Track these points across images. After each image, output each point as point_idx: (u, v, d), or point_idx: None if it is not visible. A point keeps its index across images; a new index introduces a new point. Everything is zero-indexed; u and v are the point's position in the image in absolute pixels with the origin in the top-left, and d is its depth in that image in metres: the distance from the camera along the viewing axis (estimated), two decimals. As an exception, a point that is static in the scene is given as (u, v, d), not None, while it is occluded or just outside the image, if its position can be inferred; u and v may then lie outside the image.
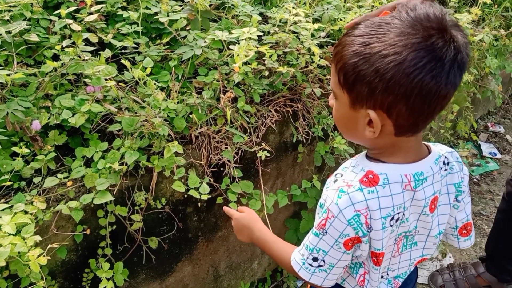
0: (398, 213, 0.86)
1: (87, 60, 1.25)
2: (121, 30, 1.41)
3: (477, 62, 2.39)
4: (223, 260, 1.65)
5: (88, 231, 1.12)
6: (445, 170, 0.92)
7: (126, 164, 1.12)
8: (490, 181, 2.75)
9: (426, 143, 0.93)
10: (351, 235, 0.85)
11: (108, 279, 1.14)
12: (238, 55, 1.23)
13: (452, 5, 2.38)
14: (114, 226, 1.17)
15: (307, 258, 0.91)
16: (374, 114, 0.78)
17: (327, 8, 1.75)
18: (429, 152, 0.90)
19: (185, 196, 1.28)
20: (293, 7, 1.57)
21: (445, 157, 0.92)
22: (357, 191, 0.83)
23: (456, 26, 0.76)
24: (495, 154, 2.95)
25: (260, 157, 1.37)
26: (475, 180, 2.76)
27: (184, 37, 1.40)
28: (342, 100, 0.82)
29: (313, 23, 1.60)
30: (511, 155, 3.01)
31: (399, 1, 1.28)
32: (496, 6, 2.55)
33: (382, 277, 0.99)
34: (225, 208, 1.21)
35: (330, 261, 0.89)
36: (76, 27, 1.23)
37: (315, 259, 0.90)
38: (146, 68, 1.22)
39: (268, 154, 1.39)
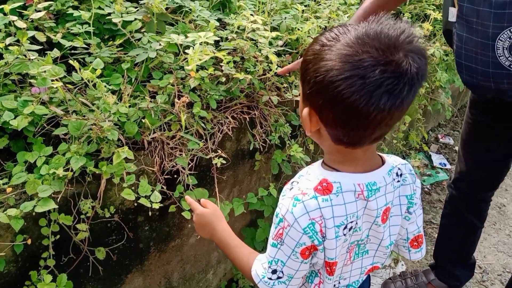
0: (351, 222, 0.86)
1: (33, 59, 1.18)
2: (72, 30, 1.34)
3: (428, 76, 2.48)
4: (176, 271, 1.60)
5: (29, 241, 1.05)
6: (398, 181, 0.92)
7: (72, 170, 1.06)
8: (440, 190, 2.85)
9: (380, 153, 0.93)
10: (307, 243, 0.84)
11: (49, 293, 1.07)
12: (192, 58, 1.20)
13: (405, 20, 2.46)
14: (58, 236, 1.10)
15: (267, 271, 0.90)
16: (306, 112, 0.81)
17: (285, 18, 1.76)
18: (383, 163, 0.91)
19: (136, 204, 1.23)
20: (251, 14, 1.56)
21: (399, 169, 0.93)
22: (312, 199, 0.83)
23: (414, 52, 0.73)
24: (445, 165, 3.07)
25: (216, 164, 1.34)
26: (426, 189, 2.85)
27: (139, 40, 1.36)
28: (301, 92, 0.85)
29: (271, 31, 1.60)
30: (459, 165, 3.13)
31: None
32: (446, 22, 2.66)
33: (334, 285, 0.98)
34: (187, 198, 1.13)
35: (289, 272, 0.88)
36: (21, 24, 1.17)
37: (274, 271, 0.89)
38: (96, 70, 1.17)
39: (224, 162, 1.36)
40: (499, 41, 1.14)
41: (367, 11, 1.42)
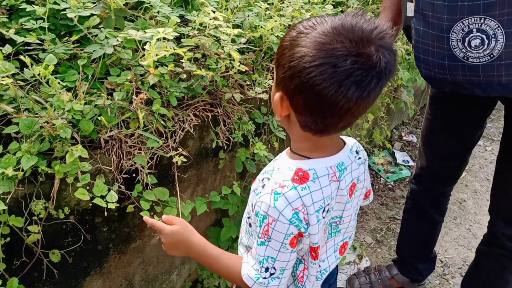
0: (328, 204, 0.90)
1: (-19, 55, 1.12)
2: (25, 25, 1.29)
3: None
4: (138, 273, 1.56)
5: (-24, 245, 1.00)
6: (359, 158, 0.99)
7: (23, 170, 1.01)
8: (404, 187, 2.91)
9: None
10: (295, 232, 0.87)
11: (-1, 298, 1.02)
12: (149, 53, 1.18)
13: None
14: (8, 239, 1.06)
15: (260, 271, 0.90)
16: (278, 96, 0.84)
17: (248, 15, 1.75)
18: (344, 143, 0.97)
19: (92, 205, 1.19)
20: (213, 11, 1.54)
21: (357, 147, 1.01)
22: (291, 190, 0.85)
23: (385, 48, 0.76)
24: (408, 162, 3.14)
25: (177, 162, 1.32)
26: (390, 186, 2.90)
27: (96, 36, 1.32)
28: (274, 77, 0.87)
29: (233, 29, 1.59)
30: (422, 162, 3.20)
31: None
32: (408, 23, 2.71)
33: (316, 270, 1.00)
34: (148, 220, 1.04)
35: (281, 266, 0.90)
36: (-32, 18, 1.11)
37: (266, 269, 0.90)
38: (48, 66, 1.13)
39: (185, 160, 1.34)
40: (453, 33, 1.17)
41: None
